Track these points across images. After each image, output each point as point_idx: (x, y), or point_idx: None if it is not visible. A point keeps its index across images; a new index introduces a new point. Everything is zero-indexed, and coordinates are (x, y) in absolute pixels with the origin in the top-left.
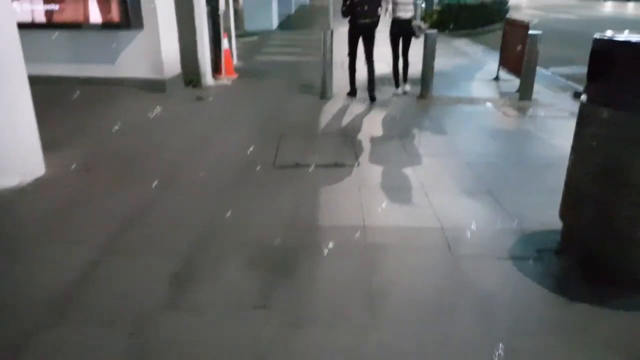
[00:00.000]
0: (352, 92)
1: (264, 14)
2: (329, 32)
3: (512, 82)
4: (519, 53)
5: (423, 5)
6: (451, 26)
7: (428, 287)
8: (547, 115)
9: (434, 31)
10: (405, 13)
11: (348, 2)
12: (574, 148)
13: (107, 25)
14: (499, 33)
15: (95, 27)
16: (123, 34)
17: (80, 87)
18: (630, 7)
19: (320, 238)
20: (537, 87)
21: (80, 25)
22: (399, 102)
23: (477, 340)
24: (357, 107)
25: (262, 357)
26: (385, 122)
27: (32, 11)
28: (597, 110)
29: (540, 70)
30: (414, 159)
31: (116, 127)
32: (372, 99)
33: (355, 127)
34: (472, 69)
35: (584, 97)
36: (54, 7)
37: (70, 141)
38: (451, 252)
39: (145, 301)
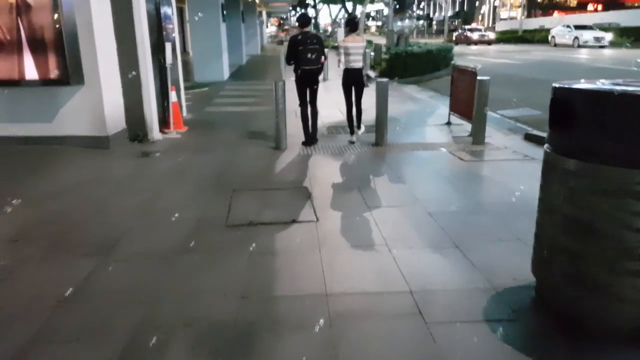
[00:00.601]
0: (307, 141)
1: (214, 65)
2: (280, 83)
3: (463, 127)
4: (468, 98)
5: (372, 54)
6: (400, 74)
7: None
8: (502, 159)
9: (385, 79)
10: (357, 63)
11: (293, 51)
12: (541, 199)
13: (45, 82)
14: (446, 79)
15: (32, 83)
16: (62, 90)
17: (16, 147)
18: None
19: (279, 311)
20: (488, 130)
21: (16, 83)
22: (354, 150)
23: None
24: (313, 156)
25: None
26: (343, 172)
27: None
28: (563, 161)
29: (489, 114)
30: (375, 211)
31: (52, 190)
32: (313, 141)
33: (312, 178)
34: (424, 114)
35: (547, 147)
36: None
37: None
38: (423, 317)
39: None
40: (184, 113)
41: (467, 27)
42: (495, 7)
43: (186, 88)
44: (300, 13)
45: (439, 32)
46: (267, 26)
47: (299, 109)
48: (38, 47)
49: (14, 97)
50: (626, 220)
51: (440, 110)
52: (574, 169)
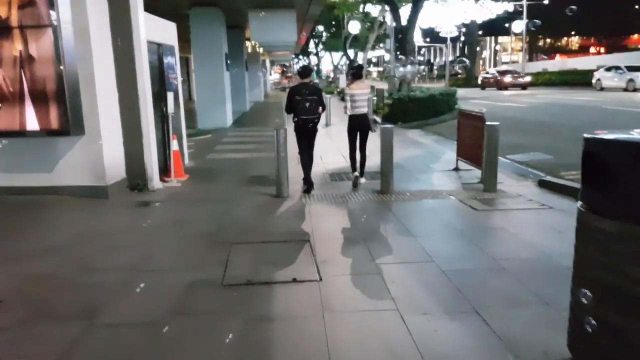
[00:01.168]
0: (307, 189)
1: (218, 112)
2: (282, 131)
3: (472, 172)
4: (476, 144)
5: (374, 99)
6: (403, 118)
7: None
8: (517, 208)
9: (390, 125)
10: (361, 109)
11: (291, 101)
12: (576, 264)
13: (46, 133)
14: (451, 123)
15: (33, 134)
16: (62, 140)
17: (13, 198)
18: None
19: None
20: (499, 176)
21: (17, 134)
22: (359, 198)
23: None
24: (316, 205)
25: None
26: (347, 223)
27: None
28: (600, 222)
29: (499, 159)
30: (384, 268)
31: (44, 244)
32: (310, 188)
33: (314, 229)
34: (430, 159)
35: (581, 205)
36: None
37: None
38: None
39: None
40: (186, 161)
41: (497, 68)
42: (496, 52)
43: (190, 135)
44: (302, 65)
45: (440, 76)
46: (270, 74)
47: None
48: (39, 98)
49: (13, 147)
50: None
51: (446, 155)
52: (613, 232)
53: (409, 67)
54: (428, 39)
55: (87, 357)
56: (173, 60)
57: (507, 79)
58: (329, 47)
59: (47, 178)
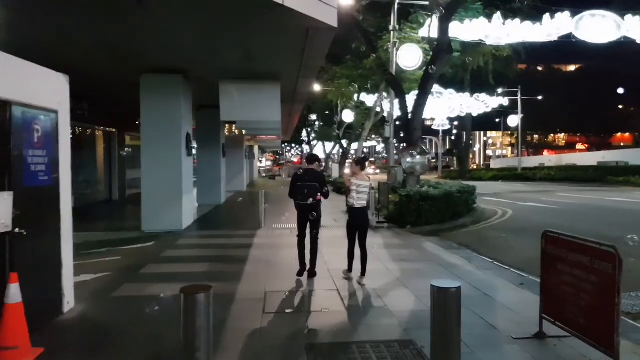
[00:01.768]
0: (301, 271)
1: (170, 209)
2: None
3: (578, 348)
4: (595, 303)
5: (376, 195)
6: (413, 221)
7: None
8: None
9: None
10: (362, 202)
11: (292, 185)
12: None
13: None
14: (473, 230)
15: None
16: None
17: None
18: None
19: None
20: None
21: None
22: None
23: None
24: None
25: None
26: None
27: None
28: None
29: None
30: None
31: None
32: (312, 275)
33: None
34: (479, 305)
35: None
36: None
37: None
38: None
39: None
40: (66, 307)
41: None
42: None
43: (124, 242)
44: (310, 153)
45: (433, 168)
46: (260, 161)
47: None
48: None
49: None
50: None
51: (502, 293)
52: None
53: (418, 157)
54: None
55: None
56: (53, 134)
57: None
58: (322, 136)
59: None
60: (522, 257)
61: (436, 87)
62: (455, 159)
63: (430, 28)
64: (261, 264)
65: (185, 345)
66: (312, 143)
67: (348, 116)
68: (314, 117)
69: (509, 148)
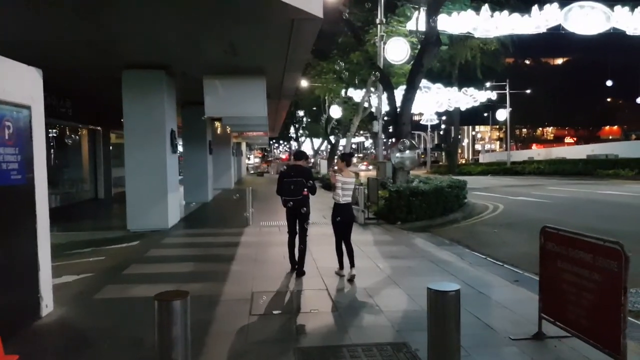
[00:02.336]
0: (293, 269)
1: (156, 207)
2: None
3: (578, 350)
4: (597, 302)
5: (365, 191)
6: (403, 217)
7: None
8: None
9: (454, 288)
10: (347, 198)
11: (279, 182)
12: None
13: None
14: (465, 226)
15: None
16: None
17: None
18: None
19: None
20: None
21: None
22: None
23: None
24: None
25: None
26: None
27: None
28: None
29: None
30: None
31: None
32: (300, 274)
33: None
34: (473, 303)
35: None
36: None
37: None
38: None
39: None
40: (44, 310)
41: None
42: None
43: (109, 241)
44: (297, 149)
45: (422, 163)
46: (248, 158)
47: None
48: None
49: None
50: None
51: (496, 290)
52: None
53: (407, 152)
54: None
55: None
56: (26, 131)
57: None
58: (310, 132)
59: None
60: (515, 252)
61: (424, 82)
62: (443, 153)
63: (417, 21)
64: (248, 263)
65: (160, 359)
66: (300, 139)
67: (336, 112)
68: (301, 113)
69: (498, 142)
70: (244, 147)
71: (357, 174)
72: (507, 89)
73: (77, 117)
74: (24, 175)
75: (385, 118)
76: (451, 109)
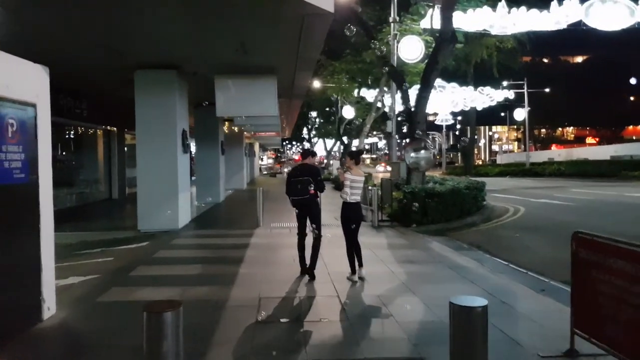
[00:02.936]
0: (303, 272)
1: (166, 208)
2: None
3: None
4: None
5: (379, 192)
6: (418, 220)
7: None
8: None
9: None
10: (356, 197)
11: (287, 182)
12: None
13: None
14: (484, 229)
15: None
16: None
17: None
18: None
19: None
20: None
21: None
22: None
23: None
24: None
25: None
26: None
27: None
28: None
29: None
30: None
31: None
32: (311, 277)
33: None
34: (494, 314)
35: None
36: None
37: None
38: None
39: None
40: (45, 313)
41: None
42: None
43: (119, 242)
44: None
45: (437, 164)
46: (262, 159)
47: None
48: None
49: None
50: None
51: (522, 301)
52: None
53: (422, 152)
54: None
55: None
56: (31, 130)
57: None
58: (322, 133)
59: None
60: (539, 258)
61: (438, 81)
62: (459, 154)
63: (432, 19)
64: (257, 266)
65: None
66: (312, 140)
67: (348, 112)
68: (314, 114)
69: (515, 143)
70: (257, 147)
71: (370, 175)
72: (525, 88)
73: (93, 118)
74: (27, 175)
75: (399, 118)
76: (467, 109)
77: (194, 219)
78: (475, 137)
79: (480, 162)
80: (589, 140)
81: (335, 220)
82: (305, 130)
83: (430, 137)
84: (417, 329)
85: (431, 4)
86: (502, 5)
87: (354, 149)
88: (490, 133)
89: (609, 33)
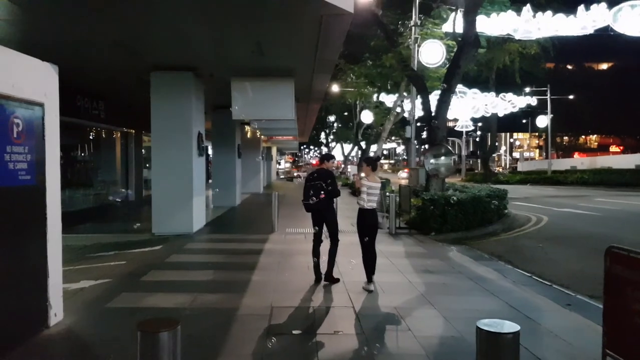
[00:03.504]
0: (317, 279)
1: (181, 211)
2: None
3: None
4: None
5: (397, 198)
6: (437, 228)
7: None
8: None
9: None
10: (372, 203)
11: (305, 186)
12: None
13: None
14: (505, 238)
15: None
16: None
17: None
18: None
19: None
20: None
21: None
22: None
23: None
24: None
25: None
26: None
27: None
28: None
29: None
30: None
31: None
32: (328, 279)
33: None
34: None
35: None
36: None
37: None
38: None
39: None
40: (52, 319)
41: None
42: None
43: (133, 245)
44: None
45: (456, 171)
46: (278, 163)
47: None
48: None
49: None
50: None
51: (548, 316)
52: None
53: (442, 158)
54: None
55: None
56: (38, 130)
57: None
58: (340, 137)
59: None
60: (565, 270)
61: (460, 87)
62: (479, 161)
63: (454, 23)
64: (270, 273)
65: None
66: (330, 145)
67: (367, 117)
68: (332, 118)
69: (537, 150)
70: (274, 151)
71: (388, 181)
72: (548, 95)
73: (110, 120)
74: (33, 176)
75: (419, 123)
76: (488, 115)
77: (209, 223)
78: (496, 144)
79: (500, 169)
80: (613, 148)
81: (352, 227)
82: (323, 135)
83: (450, 143)
84: (436, 345)
85: (454, 8)
86: (527, 10)
87: (371, 154)
88: (512, 140)
89: (635, 39)
